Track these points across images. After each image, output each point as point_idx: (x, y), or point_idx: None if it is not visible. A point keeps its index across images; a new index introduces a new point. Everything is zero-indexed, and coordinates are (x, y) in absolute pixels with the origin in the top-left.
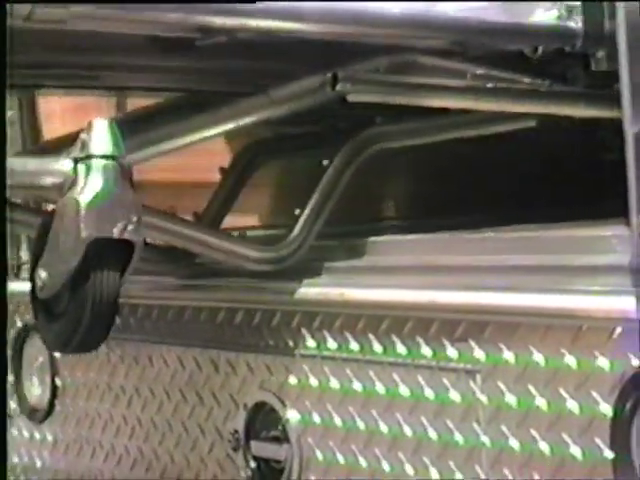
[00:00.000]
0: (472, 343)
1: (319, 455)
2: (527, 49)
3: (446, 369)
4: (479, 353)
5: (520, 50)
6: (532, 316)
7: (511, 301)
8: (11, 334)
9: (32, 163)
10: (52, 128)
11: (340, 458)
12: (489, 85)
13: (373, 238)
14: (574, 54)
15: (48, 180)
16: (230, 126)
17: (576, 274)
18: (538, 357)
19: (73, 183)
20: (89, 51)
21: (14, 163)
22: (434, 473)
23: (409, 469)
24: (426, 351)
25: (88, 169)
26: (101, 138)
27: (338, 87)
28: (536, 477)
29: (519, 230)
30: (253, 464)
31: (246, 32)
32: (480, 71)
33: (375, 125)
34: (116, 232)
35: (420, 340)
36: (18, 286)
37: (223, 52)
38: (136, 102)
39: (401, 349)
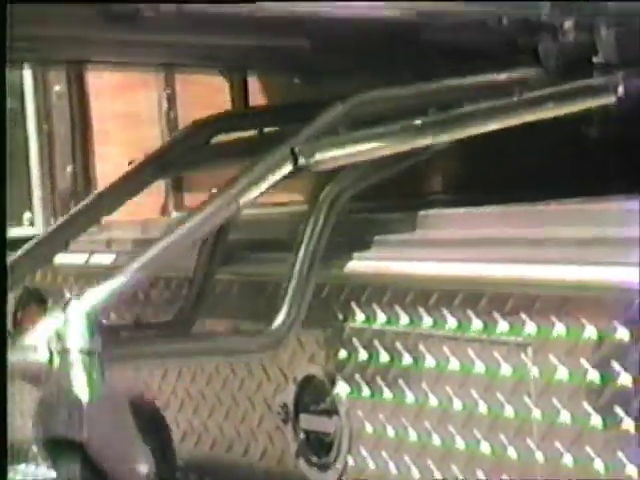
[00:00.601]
0: (523, 316)
1: (368, 428)
2: (491, 20)
3: (497, 342)
4: (530, 326)
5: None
6: (582, 289)
7: (561, 274)
8: None
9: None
10: (100, 105)
11: (389, 431)
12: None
13: (422, 212)
14: (544, 26)
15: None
16: None
17: (627, 247)
18: (589, 330)
19: (48, 374)
20: (30, 23)
21: None
22: (485, 446)
23: (459, 442)
24: (476, 324)
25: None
26: (77, 330)
27: (300, 162)
28: (588, 450)
29: (567, 203)
30: (302, 437)
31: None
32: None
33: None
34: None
35: (470, 313)
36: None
37: (170, 25)
38: (184, 78)
39: (451, 322)
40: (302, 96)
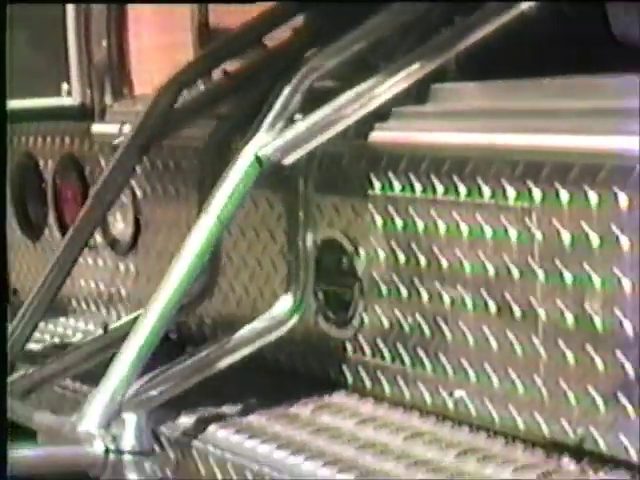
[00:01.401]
0: (529, 183)
1: (383, 289)
2: None
3: (504, 208)
4: (535, 193)
5: None
6: (585, 157)
7: (566, 143)
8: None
9: (64, 450)
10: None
11: (403, 291)
12: None
13: (437, 85)
14: None
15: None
16: None
17: (627, 117)
18: (591, 196)
19: (104, 466)
20: None
21: None
22: (492, 305)
23: (468, 302)
24: (485, 191)
25: (119, 462)
26: (131, 434)
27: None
28: (588, 309)
29: (575, 77)
30: (321, 296)
31: None
32: None
33: None
34: None
35: (480, 181)
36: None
37: None
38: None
39: (462, 189)
40: None
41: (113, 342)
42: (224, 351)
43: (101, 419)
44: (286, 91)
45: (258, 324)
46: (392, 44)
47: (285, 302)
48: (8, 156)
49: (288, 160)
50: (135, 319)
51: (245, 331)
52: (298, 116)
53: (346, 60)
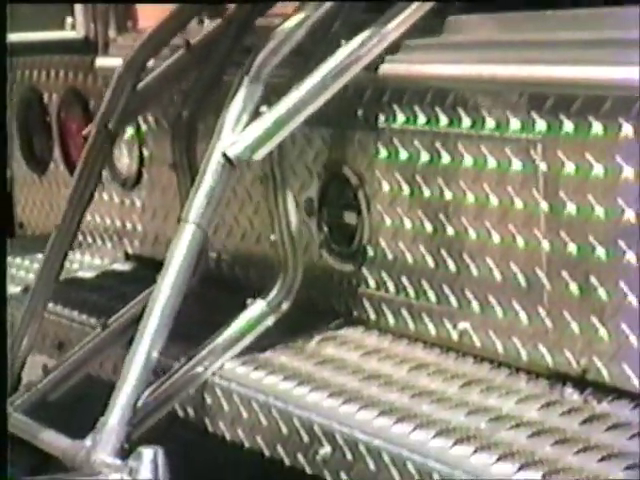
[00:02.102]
0: (533, 115)
1: (387, 221)
2: None
3: (508, 140)
4: (540, 124)
5: None
6: (589, 88)
7: (570, 73)
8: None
9: None
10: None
11: (407, 223)
12: None
13: (439, 18)
14: None
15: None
16: None
17: (629, 48)
18: (595, 127)
19: None
20: None
21: None
22: (495, 236)
23: (472, 233)
24: (489, 123)
25: None
26: (148, 467)
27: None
28: (591, 240)
29: (577, 9)
30: (326, 229)
31: None
32: None
33: None
34: None
35: (484, 113)
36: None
37: None
38: None
39: (466, 121)
40: None
41: (113, 338)
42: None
43: (115, 444)
44: (246, 82)
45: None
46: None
47: None
48: (13, 91)
49: (258, 156)
50: (134, 313)
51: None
52: (263, 108)
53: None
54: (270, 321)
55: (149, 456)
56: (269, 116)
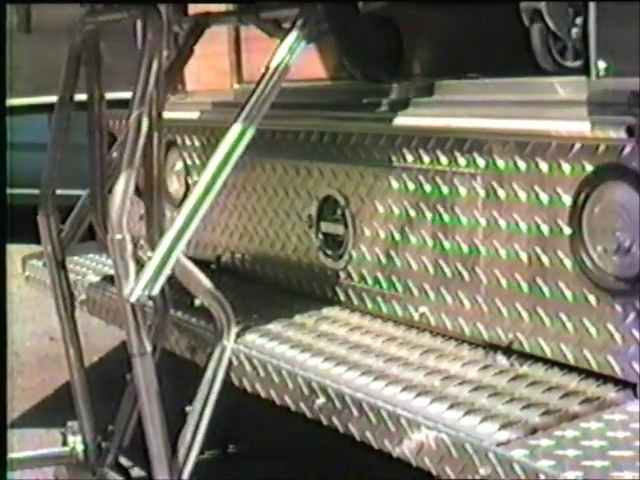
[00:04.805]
0: (475, 155)
1: (366, 232)
2: None
3: (456, 173)
4: (480, 162)
5: None
6: (519, 136)
7: (503, 125)
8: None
9: None
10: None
11: (381, 234)
12: None
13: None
14: None
15: None
16: None
17: (550, 107)
18: (520, 165)
19: None
20: None
21: None
22: (446, 245)
23: (429, 242)
24: (443, 160)
25: None
26: None
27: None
28: (517, 248)
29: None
30: (321, 237)
31: None
32: None
33: None
34: None
35: (439, 152)
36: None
37: None
38: None
39: (425, 159)
40: None
41: None
42: None
43: None
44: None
45: None
46: None
47: None
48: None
49: (155, 290)
50: None
51: None
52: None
53: None
54: None
55: None
56: (155, 256)
